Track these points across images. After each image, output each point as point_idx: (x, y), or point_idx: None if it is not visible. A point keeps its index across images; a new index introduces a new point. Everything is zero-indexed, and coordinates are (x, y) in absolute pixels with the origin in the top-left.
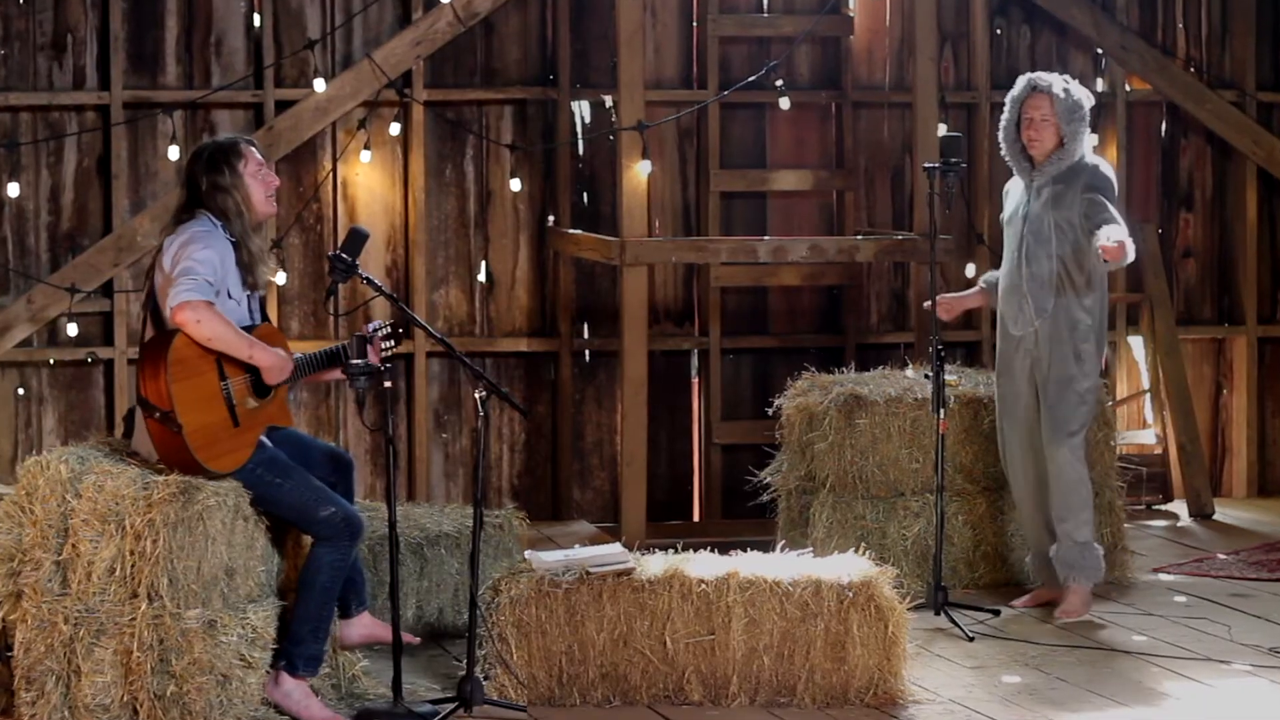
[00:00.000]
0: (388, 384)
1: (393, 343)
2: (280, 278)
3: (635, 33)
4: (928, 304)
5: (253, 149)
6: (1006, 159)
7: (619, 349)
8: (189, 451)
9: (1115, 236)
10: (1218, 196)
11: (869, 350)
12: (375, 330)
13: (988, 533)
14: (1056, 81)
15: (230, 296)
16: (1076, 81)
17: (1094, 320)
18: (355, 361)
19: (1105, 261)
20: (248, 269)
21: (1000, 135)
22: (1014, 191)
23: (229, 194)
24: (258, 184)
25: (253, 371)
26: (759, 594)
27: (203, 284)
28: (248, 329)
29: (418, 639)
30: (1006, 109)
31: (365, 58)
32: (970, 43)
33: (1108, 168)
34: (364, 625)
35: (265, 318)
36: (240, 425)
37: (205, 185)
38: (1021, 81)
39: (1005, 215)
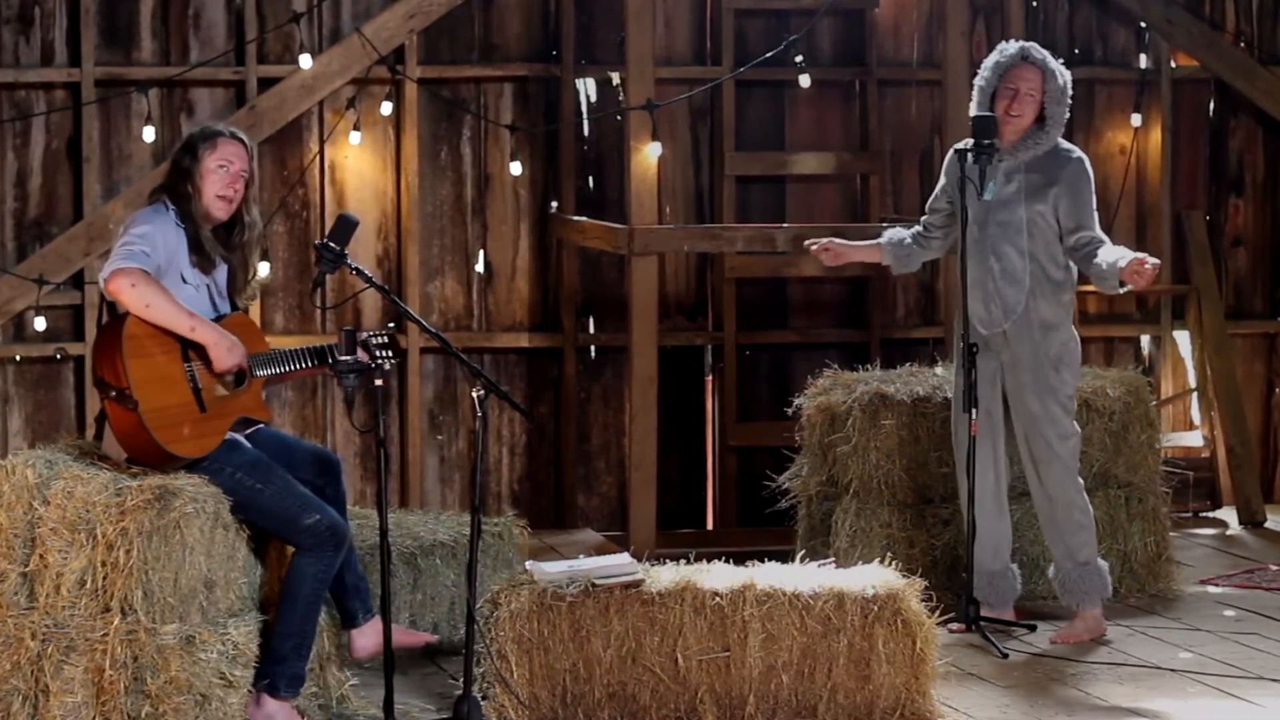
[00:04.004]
0: (379, 382)
1: (390, 353)
2: (264, 269)
3: (644, 5)
4: (808, 243)
5: (232, 144)
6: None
7: (627, 345)
8: (147, 431)
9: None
10: (1270, 180)
11: (895, 346)
12: (369, 338)
13: (1023, 542)
14: (1050, 57)
15: (185, 281)
16: (1062, 63)
17: (1068, 315)
18: (344, 358)
19: (1121, 285)
20: (199, 251)
21: (974, 104)
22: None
23: (182, 178)
24: (213, 178)
25: None
26: (777, 607)
27: (138, 253)
28: (216, 320)
29: (435, 636)
30: (984, 74)
31: (355, 32)
32: (1004, 16)
33: (1088, 162)
34: (378, 632)
35: (235, 307)
36: (208, 412)
37: (170, 164)
38: (1011, 48)
39: (942, 188)
